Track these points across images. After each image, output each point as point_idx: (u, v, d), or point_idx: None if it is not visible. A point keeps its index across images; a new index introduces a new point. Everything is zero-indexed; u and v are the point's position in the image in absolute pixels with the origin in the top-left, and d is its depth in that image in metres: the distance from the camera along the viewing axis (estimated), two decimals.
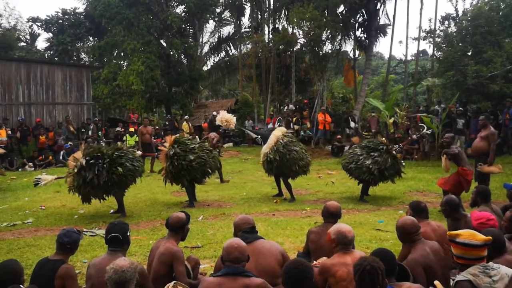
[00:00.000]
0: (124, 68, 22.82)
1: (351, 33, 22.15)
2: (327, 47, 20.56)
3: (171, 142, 8.97)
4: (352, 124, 19.69)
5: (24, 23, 29.87)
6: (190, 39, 24.14)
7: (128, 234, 3.85)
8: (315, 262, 3.89)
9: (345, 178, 12.78)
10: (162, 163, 9.08)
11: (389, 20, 23.18)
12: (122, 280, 2.86)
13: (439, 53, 19.06)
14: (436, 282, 3.32)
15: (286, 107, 20.96)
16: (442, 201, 4.99)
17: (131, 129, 16.97)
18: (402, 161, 9.82)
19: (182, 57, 24.28)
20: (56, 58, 23.65)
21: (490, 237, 3.17)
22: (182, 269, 3.88)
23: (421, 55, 28.98)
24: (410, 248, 3.75)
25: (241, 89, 28.24)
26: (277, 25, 25.05)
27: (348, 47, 32.00)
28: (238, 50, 27.27)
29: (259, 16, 25.99)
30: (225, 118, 11.70)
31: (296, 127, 18.73)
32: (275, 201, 9.56)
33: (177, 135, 9.42)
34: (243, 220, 4.06)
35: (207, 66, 29.35)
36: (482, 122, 8.73)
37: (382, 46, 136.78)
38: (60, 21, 25.02)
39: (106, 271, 2.92)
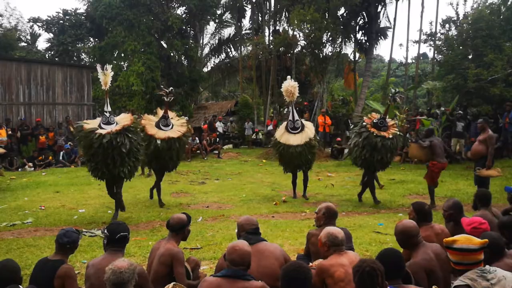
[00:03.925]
0: (125, 69, 22.84)
1: (352, 35, 22.16)
2: (328, 50, 20.56)
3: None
4: (352, 127, 19.68)
5: (25, 24, 29.97)
6: (191, 41, 24.15)
7: (130, 233, 3.92)
8: (311, 264, 3.87)
9: (345, 180, 12.83)
10: None
11: (390, 23, 23.21)
12: (120, 281, 2.86)
13: (440, 56, 19.07)
14: None
15: (286, 109, 20.96)
16: (447, 204, 4.74)
17: None
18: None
19: (183, 58, 24.28)
20: (56, 59, 23.67)
21: (487, 240, 3.17)
22: (182, 271, 3.88)
23: (421, 58, 29.00)
24: (411, 253, 3.68)
25: (241, 90, 28.25)
26: (277, 27, 25.06)
27: (349, 49, 32.20)
28: (239, 51, 27.28)
29: (260, 18, 26.01)
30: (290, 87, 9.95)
31: None
32: (274, 203, 9.56)
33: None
34: (248, 221, 4.02)
35: (207, 68, 29.37)
36: (480, 125, 8.75)
37: (382, 49, 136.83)
38: (61, 21, 25.05)
39: (105, 272, 2.92)
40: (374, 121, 9.15)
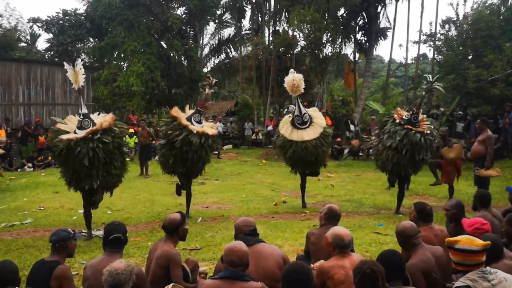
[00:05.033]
0: (124, 69, 22.83)
1: (352, 36, 22.18)
2: (328, 50, 20.60)
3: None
4: (352, 127, 19.71)
5: (25, 24, 30.02)
6: (191, 41, 24.15)
7: (127, 234, 3.87)
8: (312, 265, 3.86)
9: (345, 181, 12.81)
10: None
11: (390, 24, 23.24)
12: (117, 282, 2.85)
13: (440, 56, 19.08)
14: None
15: (286, 110, 20.96)
16: (451, 204, 4.69)
17: (131, 130, 16.98)
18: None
19: (182, 58, 24.28)
20: (56, 59, 23.64)
21: (489, 242, 3.15)
22: (179, 273, 3.85)
23: (421, 58, 29.00)
24: (410, 253, 3.67)
25: (241, 91, 28.26)
26: (277, 28, 25.08)
27: (349, 50, 32.17)
28: (239, 52, 27.29)
29: (260, 18, 26.03)
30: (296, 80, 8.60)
31: None
32: (274, 203, 9.54)
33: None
34: (245, 222, 3.99)
35: (207, 68, 29.37)
36: (479, 126, 8.75)
37: (382, 49, 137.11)
38: (61, 21, 25.06)
39: (103, 273, 2.91)
40: (404, 117, 8.08)
